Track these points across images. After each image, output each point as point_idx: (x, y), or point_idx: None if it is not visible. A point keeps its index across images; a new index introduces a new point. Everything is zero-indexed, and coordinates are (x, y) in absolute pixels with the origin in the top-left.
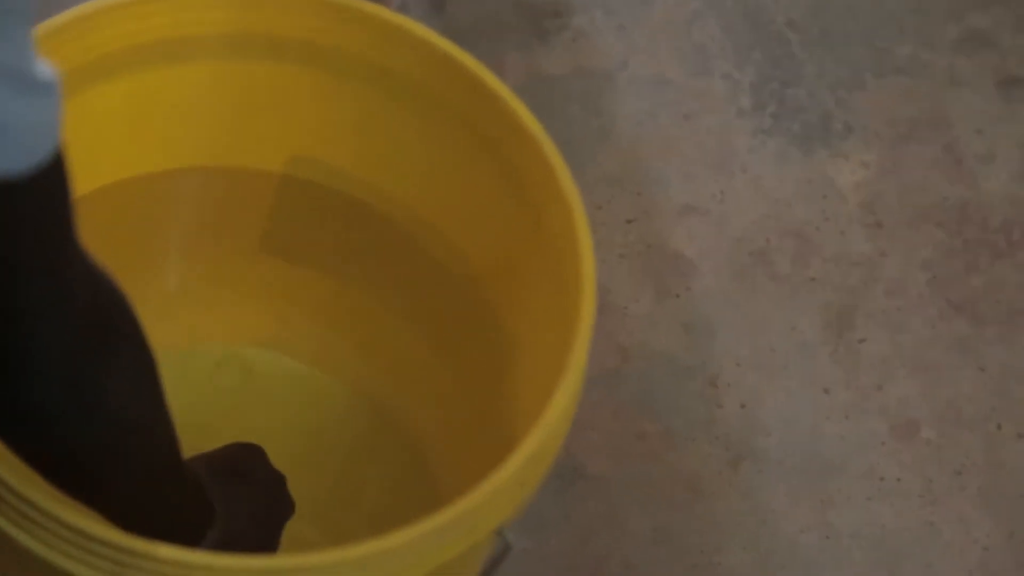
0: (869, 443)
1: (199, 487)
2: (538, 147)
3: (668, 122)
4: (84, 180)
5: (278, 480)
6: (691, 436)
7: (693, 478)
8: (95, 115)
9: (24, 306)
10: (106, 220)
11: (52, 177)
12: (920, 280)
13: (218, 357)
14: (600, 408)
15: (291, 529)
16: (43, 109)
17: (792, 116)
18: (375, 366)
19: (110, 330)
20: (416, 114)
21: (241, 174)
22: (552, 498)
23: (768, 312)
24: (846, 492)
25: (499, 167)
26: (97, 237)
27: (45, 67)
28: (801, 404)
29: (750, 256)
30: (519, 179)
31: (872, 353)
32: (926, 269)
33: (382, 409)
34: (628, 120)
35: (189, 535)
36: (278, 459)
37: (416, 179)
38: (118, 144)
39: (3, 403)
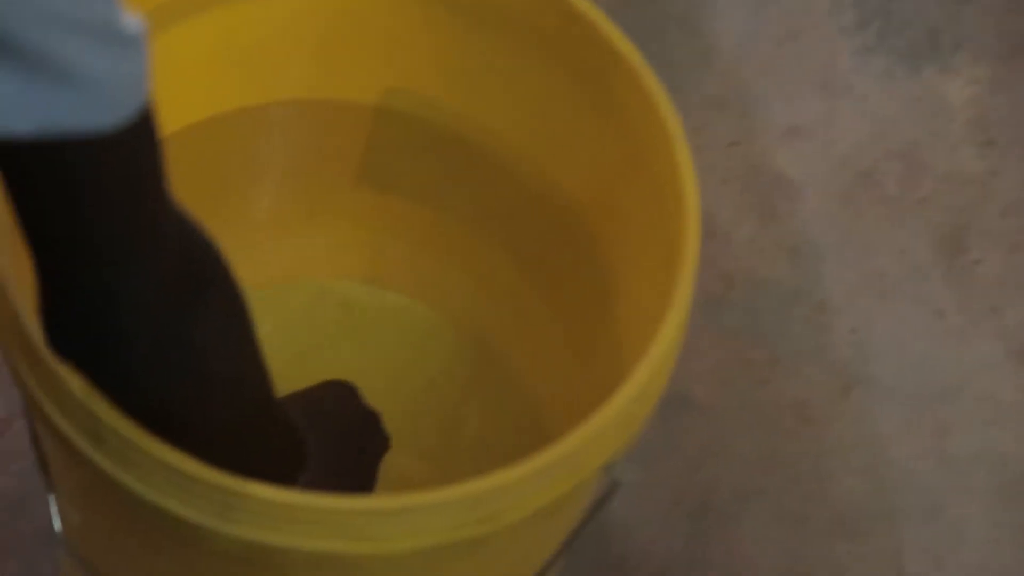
0: (985, 366)
1: (291, 429)
2: (636, 76)
3: (770, 42)
4: (175, 117)
5: (371, 417)
6: (799, 363)
7: (802, 405)
8: (184, 52)
9: (113, 262)
10: (199, 157)
11: (141, 131)
12: None
13: (316, 292)
14: (705, 336)
15: (393, 463)
16: (131, 62)
17: (898, 32)
18: (475, 299)
19: (200, 282)
20: (509, 43)
21: (334, 107)
22: (659, 428)
23: (877, 234)
24: (962, 417)
25: (596, 97)
26: (190, 174)
27: (132, 19)
28: (913, 328)
29: (857, 177)
30: (617, 109)
31: (986, 274)
32: None
33: (482, 342)
34: (729, 41)
35: (281, 477)
36: (377, 393)
37: (511, 110)
38: (208, 79)
39: (95, 360)
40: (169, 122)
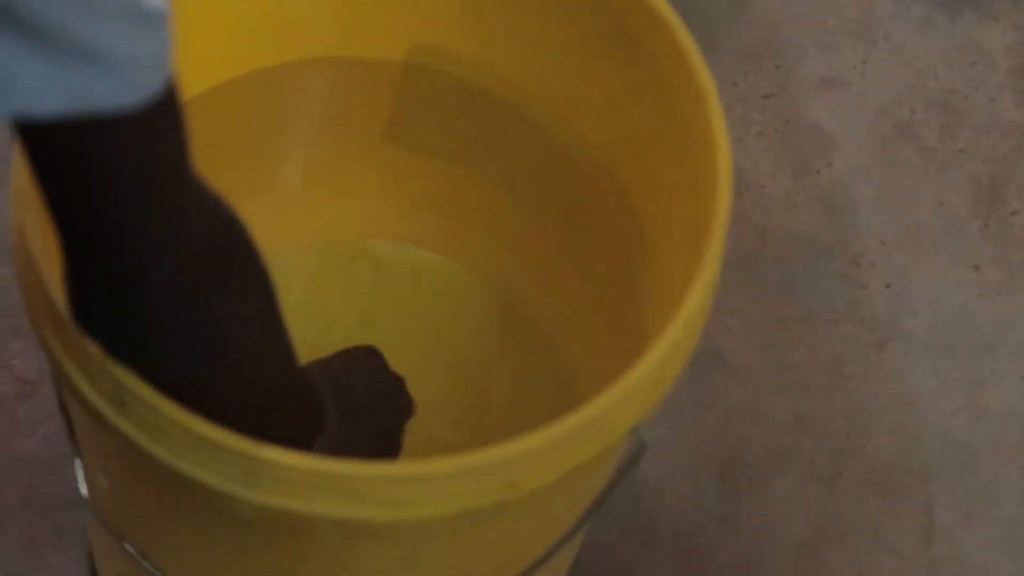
0: (1022, 320)
1: (310, 395)
2: (668, 30)
3: None
4: (199, 79)
5: (396, 382)
6: (834, 319)
7: (836, 362)
8: (208, 12)
9: (139, 241)
10: (225, 119)
11: (165, 109)
12: None
13: (349, 252)
14: (738, 292)
15: (424, 427)
16: (154, 40)
17: None
18: (506, 258)
19: (225, 260)
20: None
21: (360, 65)
22: (691, 385)
23: (914, 187)
24: (998, 372)
25: (627, 52)
26: (216, 137)
27: None
28: (950, 282)
29: (894, 129)
30: (648, 64)
31: None
32: None
33: (513, 301)
34: None
35: (296, 442)
36: (410, 352)
37: (540, 65)
38: (233, 40)
39: (118, 338)
40: (193, 84)
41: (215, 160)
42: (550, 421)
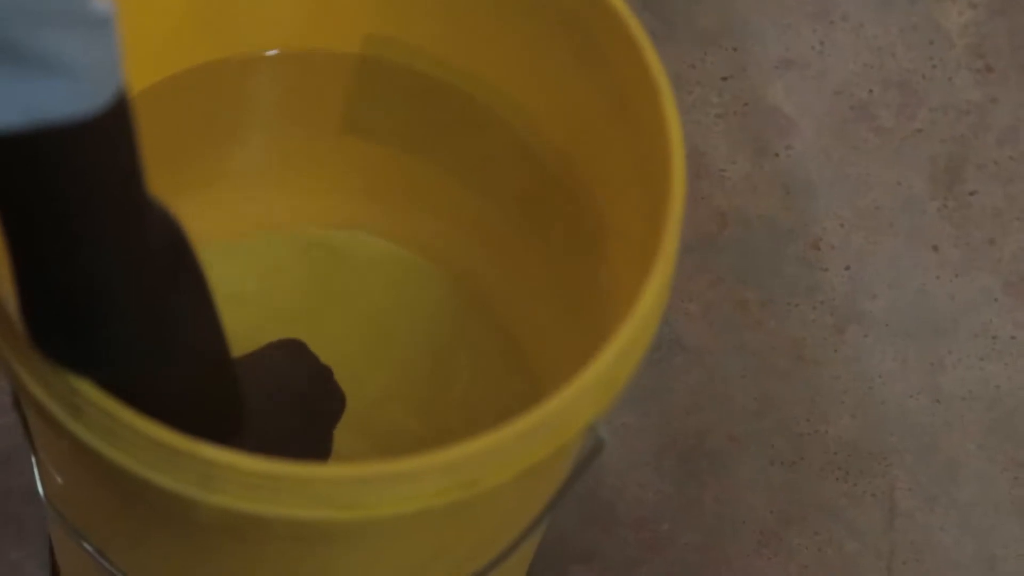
0: (981, 301)
1: (232, 396)
2: (620, 22)
3: None
4: (155, 69)
5: (322, 374)
6: (794, 302)
7: (797, 346)
8: (161, 2)
9: (96, 251)
10: (180, 109)
11: (117, 116)
12: None
13: (305, 241)
14: (698, 277)
15: (383, 416)
16: (104, 46)
17: None
18: (464, 247)
19: (178, 267)
20: None
21: (316, 57)
22: (651, 370)
23: (872, 168)
24: (957, 353)
25: (580, 42)
26: (172, 127)
27: (101, 2)
28: (909, 264)
29: (852, 110)
30: (600, 55)
31: (984, 206)
32: None
33: (472, 290)
34: None
35: (219, 438)
36: (367, 341)
37: (495, 55)
38: (188, 30)
39: (80, 349)
40: (149, 74)
41: (170, 150)
42: (510, 409)
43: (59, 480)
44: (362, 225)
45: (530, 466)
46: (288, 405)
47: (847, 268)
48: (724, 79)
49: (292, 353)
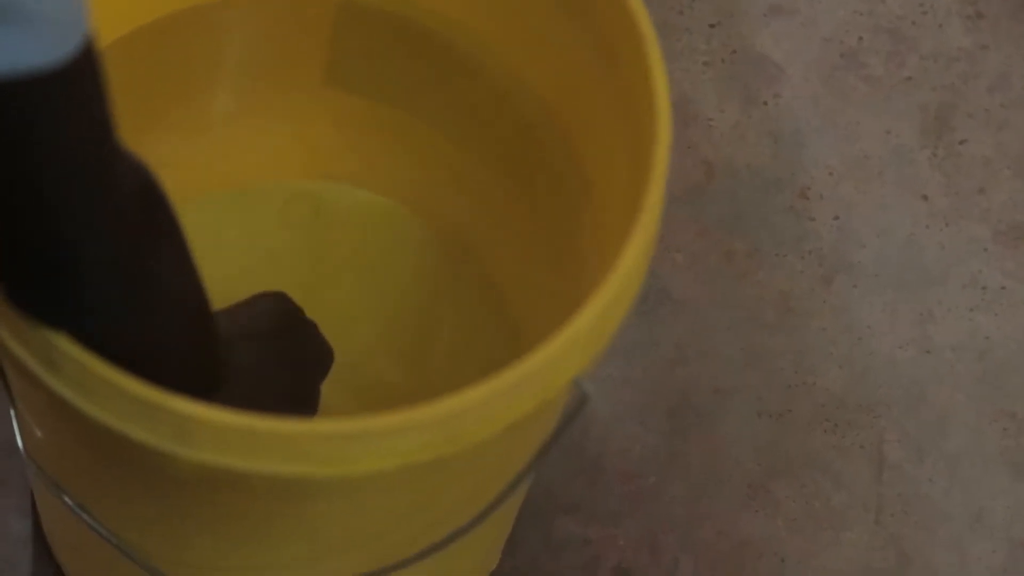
0: (971, 251)
1: (214, 349)
2: None
3: None
4: (126, 19)
5: (307, 329)
6: (781, 252)
7: (784, 297)
8: None
9: (70, 207)
10: (153, 61)
11: (84, 67)
12: None
13: (288, 193)
14: (685, 227)
15: (369, 366)
16: None
17: None
18: (448, 199)
19: (154, 219)
20: None
21: (293, 3)
22: (637, 322)
23: (861, 116)
24: (947, 304)
25: None
26: (148, 78)
27: None
28: (898, 213)
29: (841, 57)
30: (585, 4)
31: (973, 155)
32: None
33: (456, 243)
34: None
35: (201, 392)
36: (352, 293)
37: (477, 3)
38: None
39: (58, 304)
40: (119, 25)
41: (144, 103)
42: (496, 363)
43: (38, 434)
44: (343, 177)
45: (514, 421)
46: (273, 357)
47: (836, 218)
48: (712, 26)
49: (276, 305)
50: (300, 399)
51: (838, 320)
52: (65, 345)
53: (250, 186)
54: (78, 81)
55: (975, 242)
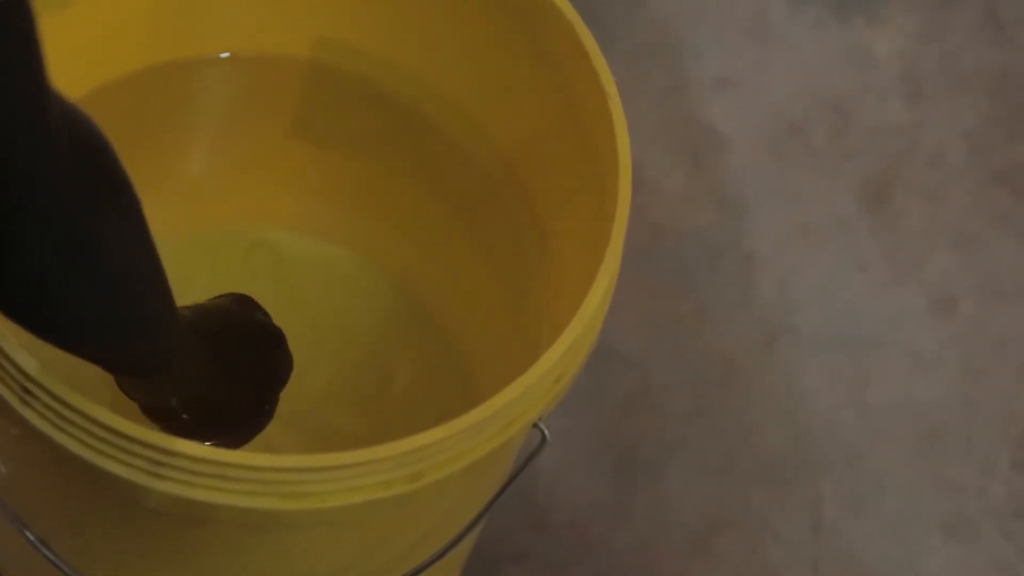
0: (907, 318)
1: (179, 325)
2: (569, 27)
3: None
4: (106, 68)
5: (273, 331)
6: (726, 314)
7: (728, 356)
8: (115, 4)
9: (7, 164)
10: (130, 107)
11: (12, 10)
12: (961, 150)
13: (249, 241)
14: (633, 286)
15: (324, 416)
16: None
17: None
18: (407, 250)
19: (99, 176)
20: None
21: (267, 60)
22: (586, 377)
23: (805, 186)
24: (884, 368)
25: (528, 47)
26: (122, 124)
27: None
28: (838, 280)
29: (786, 129)
30: (549, 60)
31: (911, 226)
32: (966, 139)
33: (413, 292)
34: None
35: (159, 371)
36: (311, 341)
37: (444, 62)
38: (143, 32)
39: (6, 279)
40: (100, 74)
41: (119, 149)
42: (450, 412)
43: (2, 469)
44: (307, 226)
45: (476, 460)
46: (238, 346)
47: (779, 282)
48: (662, 94)
49: (244, 304)
50: (258, 391)
51: (780, 380)
52: (40, 375)
53: (214, 233)
54: (7, 29)
55: (912, 309)
